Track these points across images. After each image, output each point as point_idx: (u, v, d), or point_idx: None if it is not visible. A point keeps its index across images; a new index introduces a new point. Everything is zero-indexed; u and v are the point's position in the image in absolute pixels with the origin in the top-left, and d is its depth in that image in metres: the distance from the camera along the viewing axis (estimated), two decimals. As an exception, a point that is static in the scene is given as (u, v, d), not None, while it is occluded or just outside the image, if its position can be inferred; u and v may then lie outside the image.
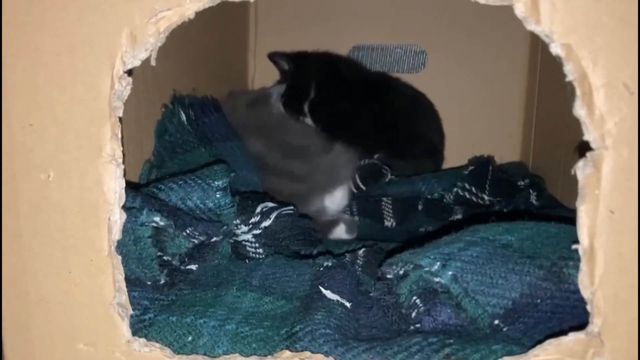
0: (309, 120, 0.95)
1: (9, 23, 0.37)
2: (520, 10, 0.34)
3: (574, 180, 0.36)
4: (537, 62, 0.95)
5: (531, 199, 0.77)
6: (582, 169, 0.35)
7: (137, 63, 0.37)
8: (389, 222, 0.77)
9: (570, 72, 0.34)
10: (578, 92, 0.34)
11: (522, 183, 0.81)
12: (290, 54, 0.98)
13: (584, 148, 0.35)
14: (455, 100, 1.01)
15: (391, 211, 0.77)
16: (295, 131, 0.78)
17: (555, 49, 0.34)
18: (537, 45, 0.94)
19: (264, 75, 1.03)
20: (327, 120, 0.93)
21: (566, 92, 0.36)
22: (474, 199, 0.79)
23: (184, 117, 0.62)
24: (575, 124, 0.35)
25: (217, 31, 0.86)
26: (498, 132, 1.02)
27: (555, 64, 0.36)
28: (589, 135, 0.34)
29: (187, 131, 0.63)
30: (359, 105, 0.96)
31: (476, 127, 1.03)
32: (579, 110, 0.34)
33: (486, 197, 0.79)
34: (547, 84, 0.91)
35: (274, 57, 0.98)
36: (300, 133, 0.78)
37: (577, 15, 0.33)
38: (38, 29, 0.37)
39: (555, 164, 0.83)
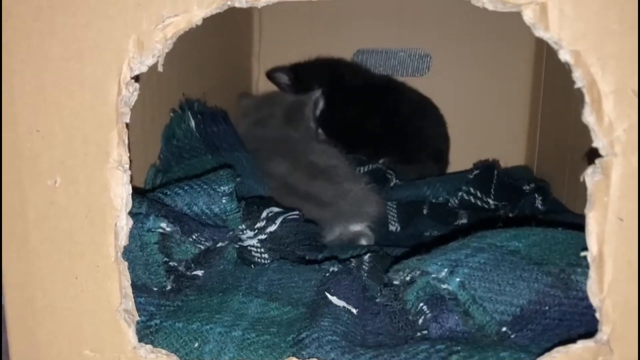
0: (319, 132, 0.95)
1: (18, 29, 0.37)
2: (528, 16, 0.34)
3: (579, 185, 0.36)
4: (541, 67, 0.95)
5: (536, 203, 0.77)
6: (591, 176, 0.35)
7: (145, 69, 0.37)
8: (394, 227, 0.76)
9: (579, 78, 0.34)
10: (587, 98, 0.34)
11: (528, 187, 0.81)
12: (288, 67, 0.98)
13: (592, 155, 0.35)
14: (460, 105, 1.01)
15: (396, 215, 0.77)
16: (322, 152, 0.76)
17: (564, 56, 0.34)
18: (542, 50, 0.94)
19: (268, 80, 1.03)
20: (335, 128, 0.93)
21: (571, 97, 0.36)
22: (479, 203, 0.79)
23: (192, 123, 0.62)
24: (581, 128, 0.35)
25: (221, 35, 0.86)
26: (503, 136, 1.02)
27: (560, 68, 0.35)
28: (598, 142, 0.34)
29: (195, 137, 0.62)
30: (366, 110, 0.96)
31: (481, 131, 1.02)
32: (588, 116, 0.34)
33: (491, 202, 0.79)
34: (552, 88, 0.91)
35: (272, 73, 0.97)
36: (326, 154, 0.76)
37: (586, 22, 0.33)
38: (46, 34, 0.37)
39: (560, 168, 0.83)
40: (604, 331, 0.35)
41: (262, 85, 1.05)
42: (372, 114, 0.96)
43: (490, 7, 0.35)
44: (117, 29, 0.36)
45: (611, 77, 0.33)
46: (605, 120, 0.34)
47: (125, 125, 0.38)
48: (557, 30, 0.34)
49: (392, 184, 0.83)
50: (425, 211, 0.79)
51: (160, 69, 0.38)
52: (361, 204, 0.70)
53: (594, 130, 0.34)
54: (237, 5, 0.36)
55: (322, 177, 0.70)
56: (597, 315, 0.36)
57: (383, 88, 0.99)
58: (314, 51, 1.01)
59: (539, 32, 0.34)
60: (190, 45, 0.70)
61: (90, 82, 0.37)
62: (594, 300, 0.36)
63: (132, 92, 0.37)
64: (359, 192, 0.71)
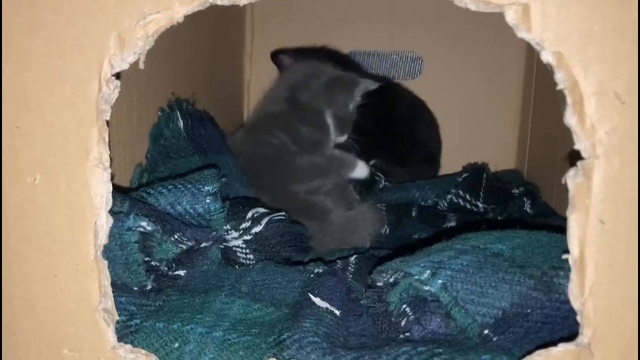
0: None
1: (-3, 25, 0.36)
2: (511, 17, 0.34)
3: (568, 189, 0.35)
4: (533, 71, 0.95)
5: (525, 207, 0.77)
6: (572, 178, 0.35)
7: (126, 66, 0.37)
8: (383, 229, 0.76)
9: (561, 80, 0.34)
10: (569, 100, 0.34)
11: (517, 191, 0.81)
12: (293, 50, 0.96)
13: (574, 157, 0.35)
14: (451, 108, 1.01)
15: (385, 218, 0.77)
16: (306, 171, 0.72)
17: (547, 57, 0.34)
18: (533, 54, 0.94)
19: (259, 80, 1.03)
20: None
21: (559, 101, 0.36)
22: (468, 206, 0.79)
23: (181, 124, 0.62)
24: (570, 133, 0.35)
25: (212, 35, 0.85)
26: (494, 139, 1.02)
27: (551, 72, 0.35)
28: (579, 144, 0.34)
29: (183, 138, 0.62)
30: (360, 110, 0.95)
31: (472, 134, 1.03)
32: (570, 119, 0.34)
33: (480, 205, 0.79)
34: (543, 92, 0.91)
35: (276, 55, 0.95)
36: (310, 172, 0.72)
37: (568, 24, 0.33)
38: (27, 31, 0.36)
39: (550, 172, 0.83)
40: (585, 334, 0.35)
41: (254, 86, 1.05)
42: (367, 115, 0.95)
43: (472, 7, 0.35)
44: (98, 25, 0.36)
45: (593, 79, 0.33)
46: (587, 122, 0.34)
47: (105, 123, 0.38)
48: (540, 31, 0.34)
49: (380, 186, 0.83)
50: (414, 213, 0.79)
51: (141, 66, 0.38)
52: (345, 235, 0.68)
53: (576, 132, 0.34)
54: (218, 3, 0.35)
55: (303, 214, 0.66)
56: (579, 318, 0.36)
57: (379, 89, 0.98)
58: (306, 53, 1.01)
59: (521, 33, 0.34)
60: (180, 44, 0.70)
61: (70, 79, 0.37)
62: (575, 303, 0.35)
63: (113, 90, 0.37)
64: (342, 223, 0.69)
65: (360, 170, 0.79)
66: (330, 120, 0.80)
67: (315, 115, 0.79)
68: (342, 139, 0.83)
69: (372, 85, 0.82)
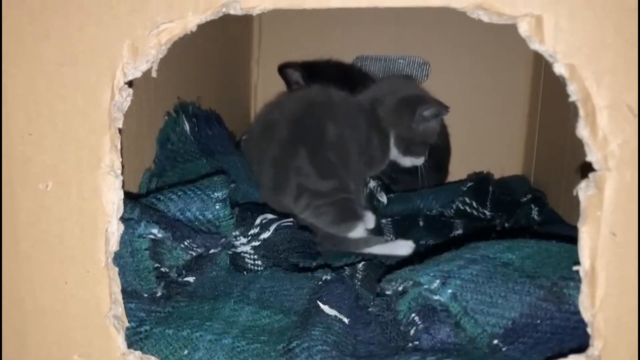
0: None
1: (11, 32, 0.37)
2: (524, 29, 0.34)
3: (575, 196, 0.35)
4: (540, 76, 0.95)
5: (533, 214, 0.77)
6: (584, 190, 0.35)
7: (138, 74, 0.37)
8: (389, 237, 0.76)
9: (574, 92, 0.34)
10: (581, 112, 0.34)
11: (524, 198, 0.80)
12: (299, 64, 0.96)
13: (586, 169, 0.35)
14: (458, 113, 1.00)
15: (391, 229, 0.77)
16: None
17: (559, 69, 0.34)
18: (541, 59, 0.94)
19: (267, 84, 1.03)
20: None
21: (569, 108, 0.36)
22: (475, 213, 0.79)
23: (187, 127, 0.62)
24: (578, 139, 0.35)
25: (220, 40, 0.86)
26: (500, 145, 1.01)
27: (558, 79, 0.35)
28: (591, 156, 0.34)
29: (190, 141, 0.62)
30: None
31: (479, 139, 1.02)
32: (582, 130, 0.34)
33: (487, 212, 0.78)
34: (550, 98, 0.91)
35: (283, 69, 0.95)
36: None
37: (581, 36, 0.33)
38: (40, 38, 0.37)
39: (557, 178, 0.83)
40: (596, 346, 0.35)
41: (261, 90, 1.05)
42: None
43: (486, 19, 0.35)
44: (111, 34, 0.36)
45: (606, 91, 0.33)
46: (599, 135, 0.34)
47: (118, 131, 0.38)
48: (553, 43, 0.34)
49: (385, 204, 0.82)
50: (421, 223, 0.78)
51: (154, 74, 0.38)
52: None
53: (588, 144, 0.34)
54: (232, 12, 0.36)
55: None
56: (589, 330, 0.35)
57: None
58: (314, 57, 1.01)
59: (534, 45, 0.34)
60: (189, 50, 0.70)
61: (83, 86, 0.37)
62: (586, 315, 0.35)
63: (125, 98, 0.37)
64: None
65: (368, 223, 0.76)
66: (392, 142, 0.79)
67: (381, 134, 0.78)
68: (419, 161, 0.82)
69: (444, 110, 0.80)
